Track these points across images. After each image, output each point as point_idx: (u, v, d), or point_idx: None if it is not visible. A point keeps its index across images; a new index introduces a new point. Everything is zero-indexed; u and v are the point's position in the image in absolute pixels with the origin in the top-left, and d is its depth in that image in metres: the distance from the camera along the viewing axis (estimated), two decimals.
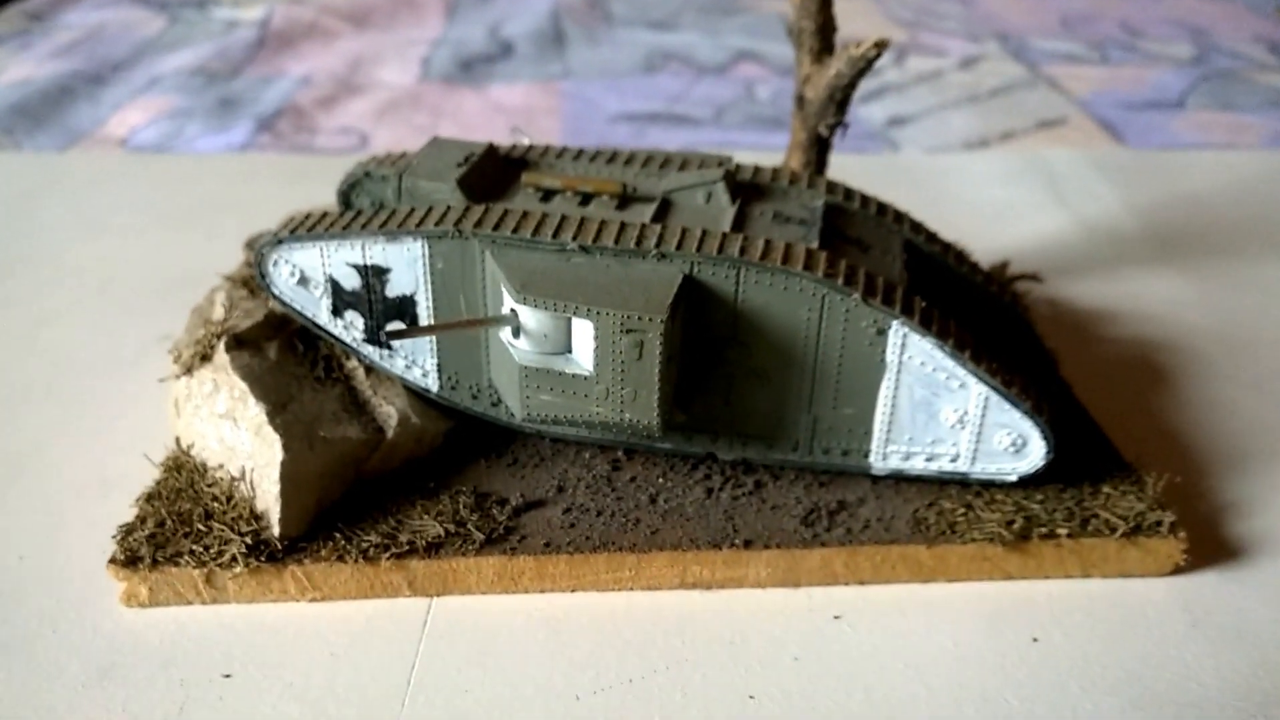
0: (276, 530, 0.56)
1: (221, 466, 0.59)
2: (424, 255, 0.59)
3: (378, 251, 0.59)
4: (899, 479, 0.61)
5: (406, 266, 0.59)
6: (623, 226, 0.57)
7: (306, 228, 0.61)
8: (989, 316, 0.69)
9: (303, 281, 0.62)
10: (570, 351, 0.55)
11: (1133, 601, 0.57)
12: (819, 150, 0.76)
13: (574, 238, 0.56)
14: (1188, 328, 0.83)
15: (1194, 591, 0.58)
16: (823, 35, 0.74)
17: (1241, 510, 0.64)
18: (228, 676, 0.52)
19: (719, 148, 1.15)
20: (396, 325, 0.61)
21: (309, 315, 0.63)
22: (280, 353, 0.64)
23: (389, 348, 0.62)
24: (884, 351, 0.57)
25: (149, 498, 0.59)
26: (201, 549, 0.55)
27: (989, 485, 0.60)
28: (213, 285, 0.74)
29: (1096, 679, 0.53)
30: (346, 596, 0.57)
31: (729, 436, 0.61)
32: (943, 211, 0.87)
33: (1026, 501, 0.59)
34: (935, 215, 0.75)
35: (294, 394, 0.61)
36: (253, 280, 0.70)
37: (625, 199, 0.61)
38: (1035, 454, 0.58)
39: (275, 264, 0.62)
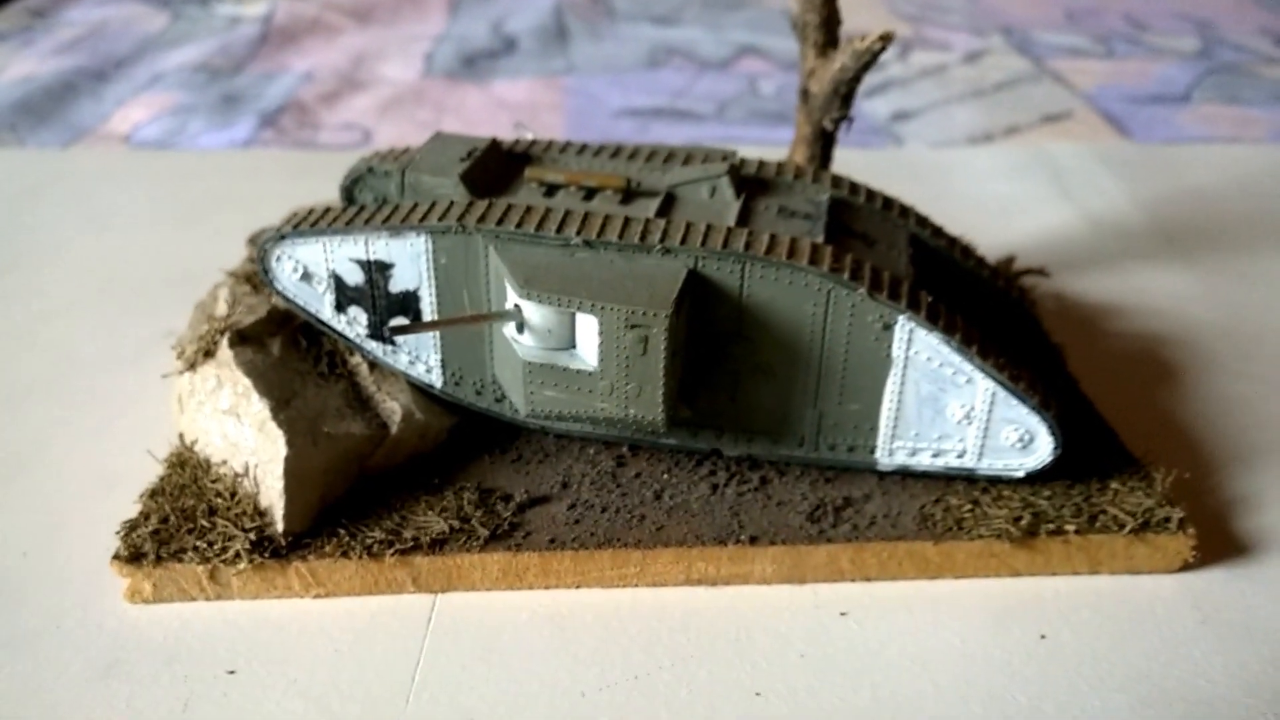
0: (280, 526, 0.56)
1: (225, 462, 0.59)
2: (427, 250, 0.58)
3: (381, 247, 0.59)
4: (905, 475, 0.60)
5: (410, 262, 0.59)
6: (627, 221, 0.57)
7: (309, 223, 0.61)
8: (995, 311, 0.69)
9: (306, 277, 0.62)
10: (574, 347, 0.55)
11: (1141, 598, 0.57)
12: (823, 145, 0.76)
13: (578, 233, 0.56)
14: (1194, 322, 0.83)
15: (1203, 588, 0.58)
16: (827, 29, 0.74)
17: (1250, 506, 0.63)
18: (232, 673, 0.52)
19: (722, 143, 1.14)
20: (400, 321, 0.61)
21: (312, 311, 0.63)
22: (283, 349, 0.63)
23: (392, 343, 0.62)
24: (890, 346, 0.56)
25: (152, 494, 0.58)
26: (205, 545, 0.55)
27: (996, 481, 0.60)
28: (216, 281, 0.74)
29: (1105, 676, 0.52)
30: (350, 593, 0.56)
31: (734, 432, 0.60)
32: (947, 206, 0.87)
33: (1034, 498, 0.59)
34: (940, 210, 0.75)
35: (297, 390, 0.60)
36: (256, 276, 0.70)
37: (629, 194, 0.61)
38: (1043, 449, 0.58)
39: (278, 259, 0.62)
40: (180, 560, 0.55)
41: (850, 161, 0.85)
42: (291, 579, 0.56)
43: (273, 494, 0.56)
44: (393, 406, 0.61)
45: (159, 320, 0.80)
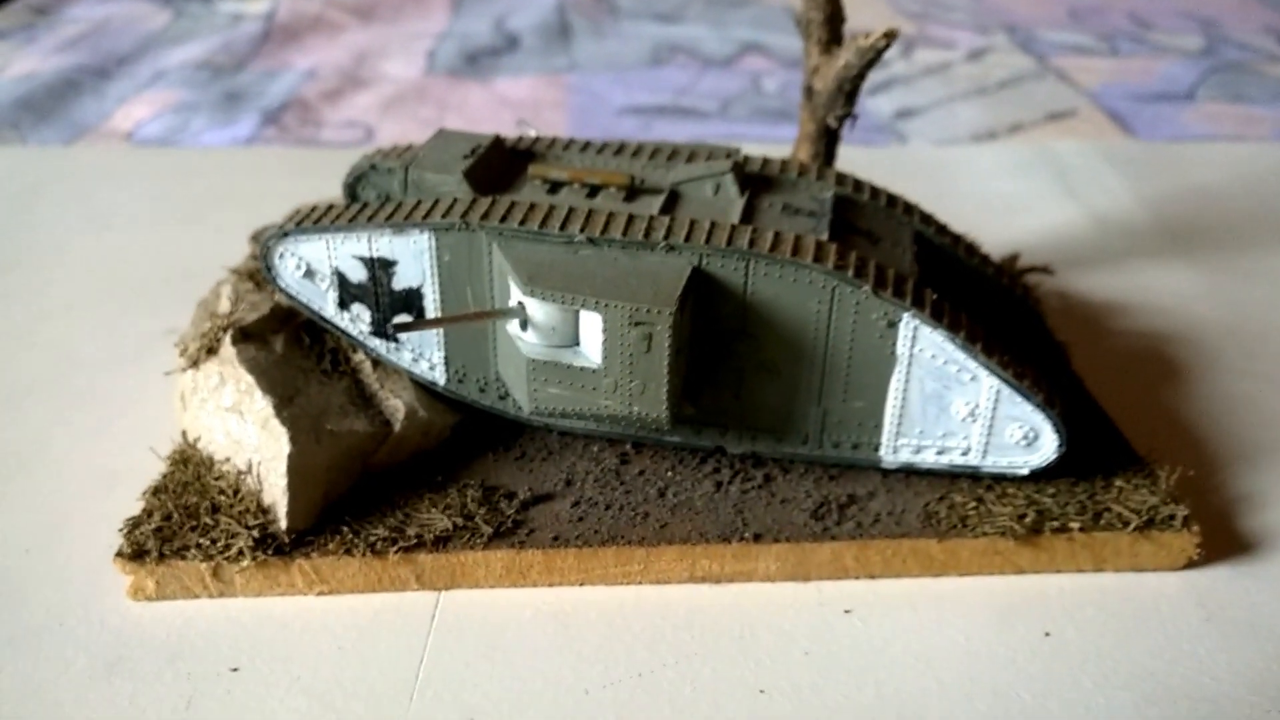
0: (283, 524, 0.55)
1: (228, 460, 0.59)
2: (431, 248, 0.58)
3: (384, 244, 0.59)
4: (909, 472, 0.60)
5: (413, 259, 0.59)
6: (631, 218, 0.57)
7: (312, 220, 0.61)
8: (1000, 309, 0.69)
9: (309, 274, 0.61)
10: (578, 344, 0.55)
11: (1146, 596, 0.57)
12: (827, 142, 0.76)
13: (582, 230, 0.56)
14: (1199, 320, 0.83)
15: (1207, 585, 0.58)
16: (831, 26, 0.74)
17: (1255, 504, 0.63)
18: (235, 670, 0.52)
19: (726, 140, 1.14)
20: (403, 318, 0.61)
21: (315, 308, 0.63)
22: (287, 346, 0.63)
23: (396, 341, 0.62)
24: (894, 344, 0.56)
25: (155, 491, 0.58)
26: (208, 542, 0.55)
27: (1000, 479, 0.60)
28: (218, 279, 0.74)
29: (1109, 674, 0.52)
30: (354, 590, 0.56)
31: (738, 430, 0.60)
32: (951, 204, 0.87)
33: (1038, 495, 0.59)
34: (944, 208, 0.75)
35: (301, 387, 0.60)
36: (259, 273, 0.70)
37: (633, 191, 0.61)
38: (1047, 447, 0.58)
39: (281, 257, 0.61)
40: (183, 558, 0.55)
41: (854, 159, 0.85)
42: (295, 576, 0.56)
43: (276, 491, 0.56)
44: (396, 404, 0.61)
45: (161, 318, 0.80)
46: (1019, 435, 0.57)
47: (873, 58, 0.70)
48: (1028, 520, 0.57)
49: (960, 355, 0.56)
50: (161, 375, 0.70)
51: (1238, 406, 0.72)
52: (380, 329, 0.62)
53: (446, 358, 0.61)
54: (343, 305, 0.62)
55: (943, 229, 0.68)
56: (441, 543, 0.56)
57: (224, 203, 1.03)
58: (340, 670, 0.52)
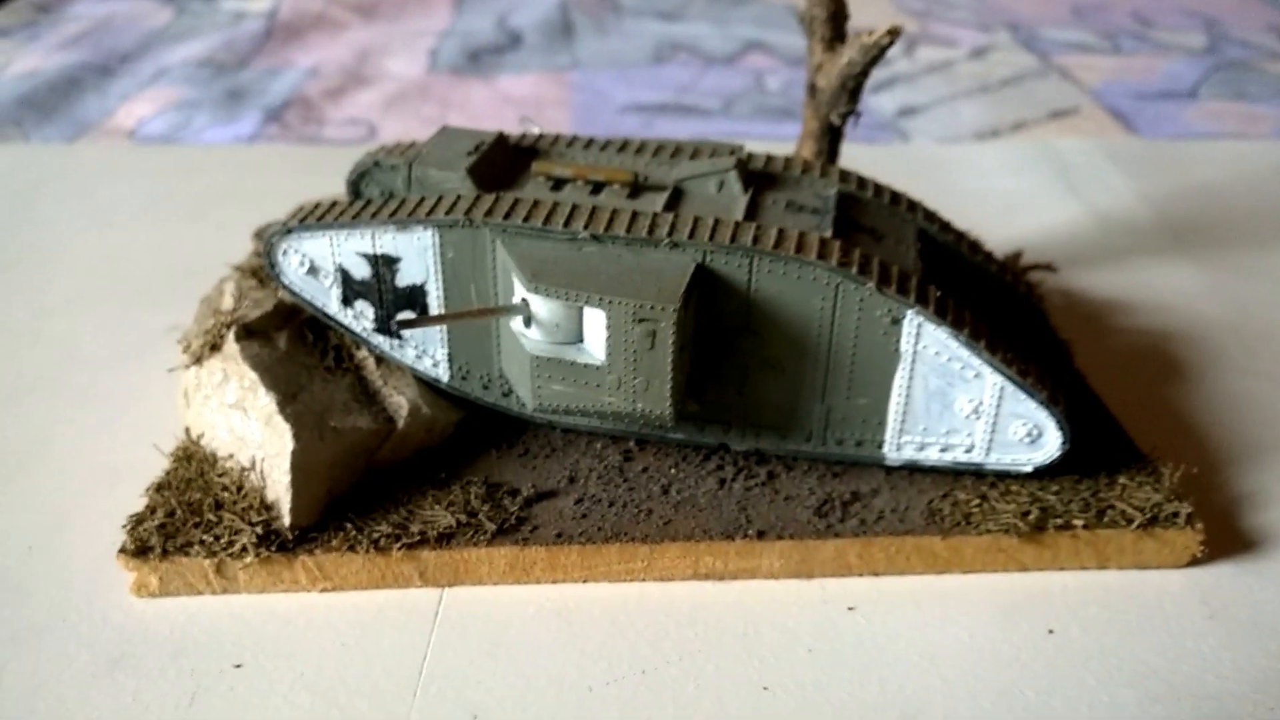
0: (287, 520, 0.55)
1: (231, 456, 0.59)
2: (434, 244, 0.58)
3: (388, 241, 0.59)
4: (913, 470, 0.60)
5: (417, 256, 0.59)
6: (634, 215, 0.57)
7: (316, 217, 0.61)
8: (1003, 306, 0.69)
9: (312, 271, 0.61)
10: (582, 341, 0.55)
11: (1149, 593, 0.57)
12: (831, 139, 0.76)
13: (585, 227, 0.56)
14: (1201, 318, 0.83)
15: (1211, 583, 0.58)
16: (834, 23, 0.74)
17: (1258, 502, 0.63)
18: (239, 667, 0.52)
19: (728, 138, 1.14)
20: (407, 315, 0.61)
21: (319, 305, 0.63)
22: (290, 343, 0.63)
23: (399, 337, 0.62)
24: (898, 341, 0.56)
25: (159, 488, 0.58)
26: (212, 539, 0.55)
27: (1004, 476, 0.60)
28: (221, 275, 0.74)
29: (1113, 671, 0.52)
30: (357, 587, 0.56)
31: (742, 427, 0.60)
32: (954, 201, 0.86)
33: (1042, 492, 0.59)
34: (946, 205, 0.75)
35: (304, 384, 0.60)
36: (262, 270, 0.70)
37: (637, 188, 0.61)
38: (1051, 444, 0.58)
39: (285, 253, 0.61)
40: (186, 554, 0.55)
41: (856, 157, 0.85)
42: (298, 573, 0.56)
43: (279, 488, 0.56)
44: (399, 401, 0.61)
45: (163, 315, 0.80)
46: (1023, 432, 0.57)
47: (876, 55, 0.70)
48: (1031, 518, 0.57)
49: (964, 352, 0.56)
50: (163, 372, 0.71)
51: (1241, 404, 0.72)
52: (384, 326, 0.62)
53: (450, 354, 0.61)
54: (346, 302, 0.62)
55: (946, 226, 0.68)
56: (445, 539, 0.56)
57: (226, 200, 1.03)
58: (344, 667, 0.52)
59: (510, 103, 1.32)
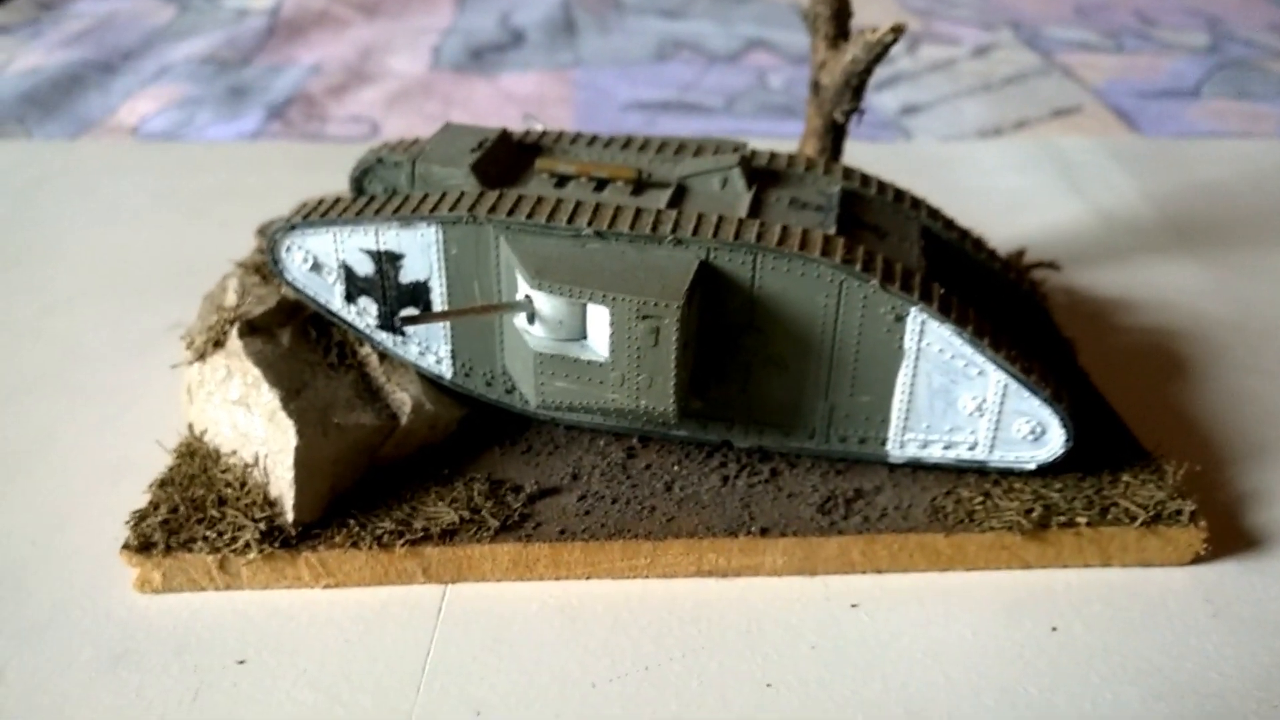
0: (290, 516, 0.55)
1: (235, 453, 0.59)
2: (438, 241, 0.58)
3: (391, 237, 0.59)
4: (916, 467, 0.60)
5: (420, 252, 0.59)
6: (638, 212, 0.57)
7: (320, 213, 0.61)
8: (1007, 304, 0.68)
9: (316, 267, 0.61)
10: (585, 338, 0.55)
11: (1153, 591, 0.57)
12: (834, 137, 0.76)
13: (589, 223, 0.56)
14: (1204, 317, 0.82)
15: (1214, 581, 0.57)
16: (838, 21, 0.74)
17: (1262, 499, 0.63)
18: (242, 663, 0.52)
19: (731, 136, 1.14)
20: (410, 311, 0.61)
21: (322, 301, 0.63)
22: (293, 339, 0.63)
23: (402, 334, 0.62)
24: (902, 338, 0.56)
25: (162, 484, 0.58)
26: (215, 535, 0.55)
27: (1007, 473, 0.60)
28: (224, 272, 0.74)
29: (1116, 669, 0.52)
30: (361, 583, 0.56)
31: (745, 424, 0.60)
32: (957, 199, 0.86)
33: (1045, 490, 0.59)
34: (949, 203, 0.75)
35: (307, 380, 0.60)
36: (265, 266, 0.70)
37: (640, 185, 0.61)
38: (1054, 442, 0.58)
39: (288, 250, 0.61)
40: (190, 550, 0.55)
41: (859, 155, 0.85)
42: (301, 569, 0.56)
43: (283, 484, 0.56)
44: (403, 397, 0.61)
45: (165, 312, 0.80)
46: (1026, 430, 0.57)
47: (880, 53, 0.70)
48: (1035, 515, 0.57)
49: (968, 350, 0.55)
50: (166, 369, 0.71)
51: (1244, 402, 0.72)
52: (387, 322, 0.62)
53: (453, 351, 0.61)
54: (349, 298, 0.62)
55: (950, 224, 0.68)
56: (448, 536, 0.56)
57: (229, 197, 1.03)
58: (347, 663, 0.52)
59: (513, 100, 1.32)
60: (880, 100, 1.32)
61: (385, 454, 0.60)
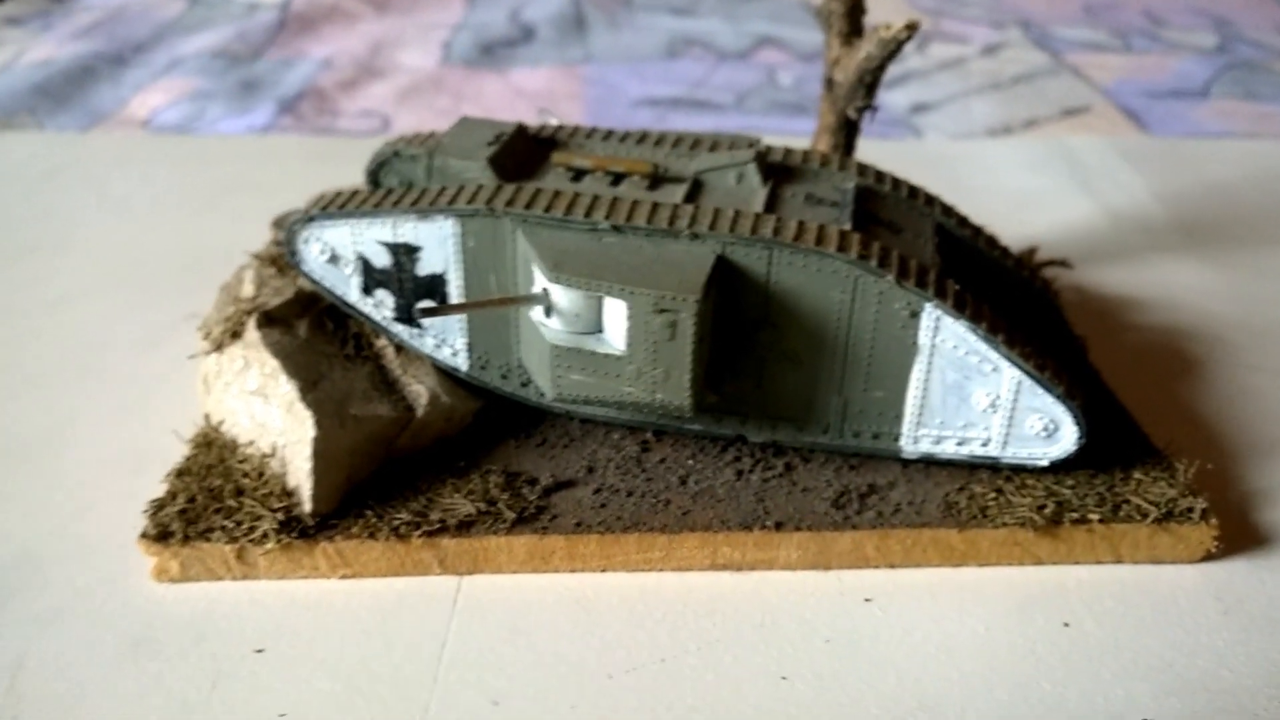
0: (308, 507, 0.56)
1: (252, 443, 0.59)
2: (455, 234, 0.59)
3: (409, 230, 0.59)
4: (929, 463, 0.61)
5: (437, 245, 0.59)
6: (655, 207, 0.57)
7: (338, 205, 0.61)
8: (1019, 301, 0.69)
9: (333, 259, 0.62)
10: (602, 331, 0.55)
11: (1164, 588, 0.57)
12: (847, 133, 0.76)
13: (606, 217, 0.56)
14: (1213, 315, 0.83)
15: (1225, 578, 0.58)
16: (852, 17, 0.74)
17: (1273, 497, 0.63)
18: (260, 652, 0.52)
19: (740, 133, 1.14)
20: (427, 304, 0.61)
21: (339, 293, 0.63)
22: (310, 330, 0.64)
23: (419, 326, 0.62)
24: (916, 334, 0.56)
25: (179, 473, 0.59)
26: (233, 525, 0.55)
27: (1020, 470, 0.60)
28: (237, 264, 0.75)
29: (1128, 665, 0.53)
30: (377, 574, 0.57)
31: (759, 418, 0.61)
32: (967, 198, 0.86)
33: (1058, 486, 0.59)
34: (959, 201, 0.75)
35: (324, 372, 0.61)
36: (281, 258, 0.70)
37: (656, 179, 0.61)
38: (1067, 439, 0.58)
39: (306, 242, 0.62)
40: (207, 540, 0.55)
41: (870, 152, 0.85)
42: (318, 559, 0.56)
43: (300, 474, 0.56)
44: (419, 389, 0.61)
45: (178, 303, 0.81)
46: (1039, 427, 0.58)
47: (894, 49, 0.70)
48: (1047, 511, 0.57)
49: (982, 346, 0.56)
50: (180, 360, 0.71)
51: (1253, 401, 0.72)
52: (403, 315, 0.62)
53: (469, 344, 0.62)
54: (366, 291, 0.62)
55: (963, 221, 0.68)
56: (464, 528, 0.56)
57: (240, 190, 1.03)
58: (364, 653, 0.53)
59: (523, 96, 1.32)
60: (891, 98, 1.32)
61: (401, 445, 0.60)
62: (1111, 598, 0.56)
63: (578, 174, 0.62)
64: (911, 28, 0.69)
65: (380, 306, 0.62)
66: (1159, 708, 0.50)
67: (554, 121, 0.69)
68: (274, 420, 0.58)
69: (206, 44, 1.47)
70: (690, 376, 0.54)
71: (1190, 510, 0.58)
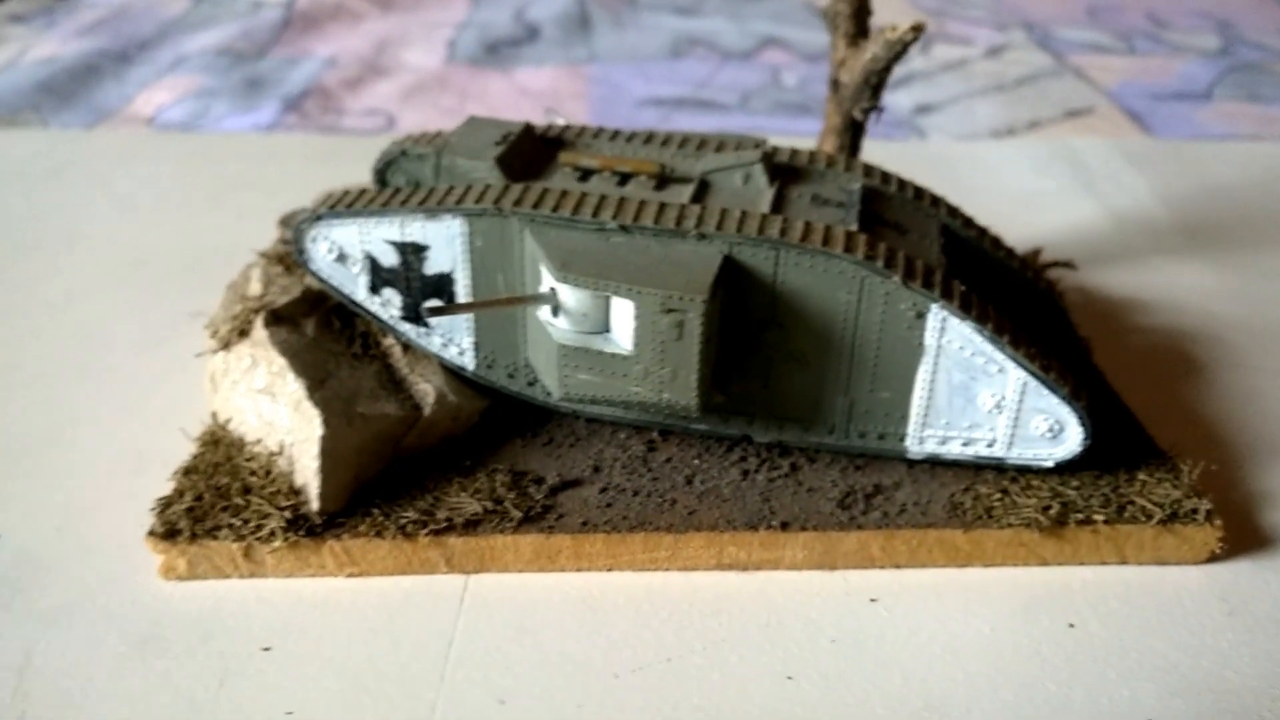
0: (315, 505, 0.56)
1: (259, 441, 0.59)
2: (463, 233, 0.59)
3: (416, 229, 0.60)
4: (935, 463, 0.61)
5: (445, 244, 0.60)
6: (662, 207, 0.57)
7: (346, 204, 0.61)
8: (1024, 303, 0.69)
9: (341, 258, 0.62)
10: (609, 331, 0.55)
11: (1168, 589, 0.57)
12: (853, 135, 0.76)
13: (614, 217, 0.56)
14: (1217, 317, 0.83)
15: (1230, 579, 0.58)
16: (858, 19, 0.74)
17: (1277, 499, 0.64)
18: (267, 649, 0.53)
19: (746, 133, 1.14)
20: (434, 303, 0.61)
21: (346, 292, 0.63)
22: (318, 329, 0.64)
23: (426, 325, 0.62)
24: (922, 335, 0.56)
25: (186, 471, 0.59)
26: (240, 523, 0.56)
27: (1025, 471, 0.60)
28: (242, 263, 0.75)
29: (1133, 666, 0.53)
30: (384, 572, 0.57)
31: (765, 419, 0.61)
32: (971, 199, 0.86)
33: (1063, 487, 0.59)
34: (964, 202, 0.75)
35: (332, 370, 0.61)
36: (288, 257, 0.70)
37: (663, 179, 0.61)
38: (1072, 440, 0.58)
39: (314, 240, 0.62)
40: (215, 537, 0.55)
41: (874, 153, 0.85)
42: (325, 558, 0.56)
43: (308, 473, 0.56)
44: (426, 388, 0.62)
45: (184, 301, 0.81)
46: (1044, 428, 0.58)
47: (900, 50, 0.70)
48: (1052, 512, 0.57)
49: (988, 347, 0.56)
50: (186, 358, 0.71)
51: (1258, 402, 0.72)
52: (411, 314, 0.62)
53: (476, 343, 0.62)
54: (374, 289, 0.62)
55: (969, 222, 0.68)
56: (471, 526, 0.57)
57: (245, 188, 1.03)
58: (371, 651, 0.53)
59: (528, 95, 1.33)
60: (895, 99, 1.32)
61: (408, 444, 0.60)
62: (1116, 599, 0.57)
63: (585, 174, 0.62)
64: (917, 29, 0.69)
65: (387, 305, 0.62)
66: (1163, 709, 0.51)
67: (561, 121, 0.70)
68: (281, 418, 0.58)
69: (211, 42, 1.47)
70: (697, 376, 0.54)
71: (1195, 511, 0.58)
